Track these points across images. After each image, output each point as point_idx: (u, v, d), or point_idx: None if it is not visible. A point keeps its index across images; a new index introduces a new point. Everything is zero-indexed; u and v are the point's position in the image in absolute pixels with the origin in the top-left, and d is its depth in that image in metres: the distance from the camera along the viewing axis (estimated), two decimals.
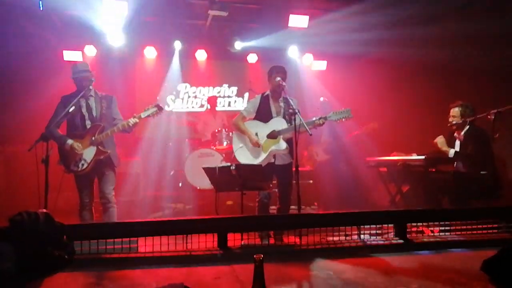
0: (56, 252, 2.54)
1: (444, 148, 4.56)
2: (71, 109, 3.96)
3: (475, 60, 5.90)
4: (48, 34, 6.87)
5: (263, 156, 4.22)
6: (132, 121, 4.07)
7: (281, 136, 4.20)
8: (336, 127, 6.23)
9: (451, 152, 4.52)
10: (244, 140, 4.36)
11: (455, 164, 4.69)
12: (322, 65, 8.46)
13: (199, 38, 7.74)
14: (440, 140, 4.61)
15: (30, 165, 3.79)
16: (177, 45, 7.70)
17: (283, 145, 4.19)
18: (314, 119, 4.15)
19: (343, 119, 4.17)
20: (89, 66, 4.25)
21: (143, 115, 4.14)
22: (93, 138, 4.05)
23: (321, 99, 6.50)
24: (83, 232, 3.06)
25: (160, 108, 4.21)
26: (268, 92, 4.42)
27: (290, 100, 4.11)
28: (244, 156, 4.30)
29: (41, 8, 6.48)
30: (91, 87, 4.16)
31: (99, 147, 4.06)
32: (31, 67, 6.68)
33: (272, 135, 4.24)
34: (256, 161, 4.18)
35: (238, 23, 7.54)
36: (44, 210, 2.65)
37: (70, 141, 4.02)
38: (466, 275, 2.64)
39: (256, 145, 4.23)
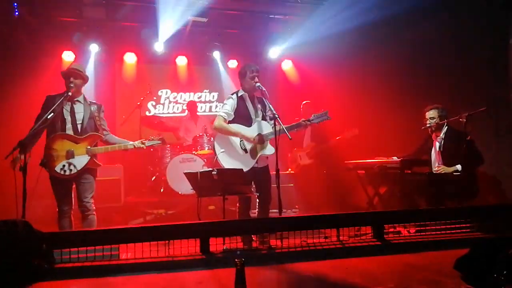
0: (35, 261, 2.53)
1: (451, 170, 4.62)
2: (49, 116, 3.89)
3: (448, 63, 6.10)
4: (25, 40, 6.75)
5: (252, 162, 4.10)
6: (137, 145, 4.16)
7: (268, 140, 4.17)
8: (319, 131, 6.34)
9: (459, 167, 4.58)
10: (228, 144, 4.17)
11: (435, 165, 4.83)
12: (300, 69, 8.57)
13: (179, 44, 7.75)
14: (441, 169, 4.69)
15: (7, 173, 3.73)
16: (158, 49, 7.68)
17: (271, 149, 4.13)
18: (300, 121, 4.19)
19: (323, 121, 4.29)
20: (84, 70, 4.21)
21: (147, 143, 4.23)
22: (89, 147, 3.98)
23: (304, 102, 6.57)
24: (63, 240, 3.03)
25: (164, 142, 4.32)
26: (242, 92, 4.28)
27: (267, 103, 4.12)
28: (229, 161, 4.11)
29: (16, 13, 6.39)
30: (82, 94, 4.14)
31: (94, 159, 4.01)
32: (7, 72, 6.55)
33: (259, 140, 4.16)
34: (246, 167, 4.04)
35: (218, 29, 7.59)
36: (23, 219, 2.63)
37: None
38: (440, 273, 2.75)
39: (254, 142, 4.11)
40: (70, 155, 3.94)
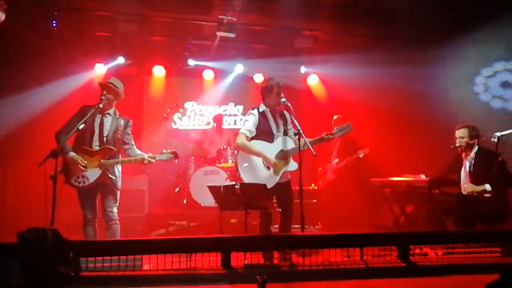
0: (63, 269, 2.59)
1: (479, 189, 4.47)
2: (80, 126, 4.01)
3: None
4: (59, 51, 7.05)
5: (276, 178, 4.06)
6: (146, 159, 4.13)
7: (291, 156, 4.13)
8: (346, 147, 6.28)
9: (487, 187, 4.42)
10: (250, 160, 4.13)
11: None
12: (327, 85, 8.54)
13: (206, 58, 7.90)
14: (469, 187, 4.57)
15: (38, 180, 3.86)
16: (189, 63, 7.88)
17: (294, 165, 4.07)
18: (322, 135, 4.14)
19: (346, 133, 4.24)
20: (120, 87, 4.27)
21: (158, 157, 4.19)
22: (102, 161, 4.05)
23: (335, 117, 6.52)
24: (90, 249, 3.10)
25: (176, 156, 4.26)
26: (264, 107, 4.25)
27: (293, 118, 4.11)
28: (252, 177, 4.07)
29: (55, 26, 6.69)
30: (113, 108, 4.24)
31: (107, 172, 4.07)
32: (43, 83, 6.84)
33: (282, 156, 4.13)
34: (270, 185, 3.96)
35: (245, 44, 7.70)
36: (53, 227, 2.71)
37: (72, 154, 3.99)
38: None
39: (273, 166, 4.07)
40: (82, 163, 4.01)
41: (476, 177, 4.59)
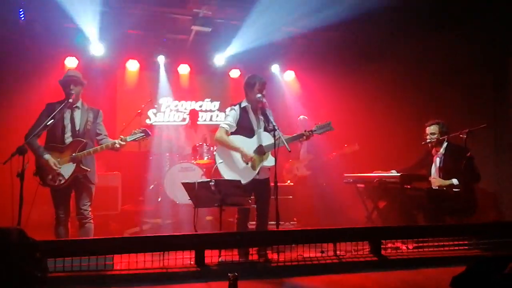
0: (28, 270, 2.50)
1: (447, 183, 4.61)
2: (49, 122, 3.89)
3: (450, 79, 6.14)
4: (28, 44, 6.79)
5: (254, 173, 4.07)
6: (118, 143, 4.00)
7: (269, 152, 4.14)
8: (317, 144, 6.34)
9: (455, 182, 4.56)
10: (229, 154, 4.14)
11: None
12: (302, 82, 8.59)
13: (182, 53, 7.79)
14: (437, 181, 4.69)
15: (4, 178, 3.72)
16: (160, 59, 7.77)
17: (272, 160, 4.07)
18: (303, 132, 4.16)
19: (326, 132, 4.25)
20: (80, 75, 4.17)
21: (129, 138, 4.05)
22: (73, 154, 3.94)
23: (301, 117, 6.58)
24: (57, 249, 3.01)
25: (147, 134, 4.13)
26: (246, 103, 4.26)
27: (269, 114, 4.13)
28: (230, 172, 4.08)
29: (22, 18, 6.43)
30: (80, 100, 4.12)
31: (80, 165, 3.96)
32: (9, 77, 6.58)
33: (260, 151, 4.14)
34: (247, 179, 3.99)
35: (221, 39, 7.63)
36: (18, 227, 2.61)
37: (47, 156, 3.90)
38: None
39: (251, 160, 4.07)
40: (55, 165, 3.91)
41: (445, 172, 4.72)
